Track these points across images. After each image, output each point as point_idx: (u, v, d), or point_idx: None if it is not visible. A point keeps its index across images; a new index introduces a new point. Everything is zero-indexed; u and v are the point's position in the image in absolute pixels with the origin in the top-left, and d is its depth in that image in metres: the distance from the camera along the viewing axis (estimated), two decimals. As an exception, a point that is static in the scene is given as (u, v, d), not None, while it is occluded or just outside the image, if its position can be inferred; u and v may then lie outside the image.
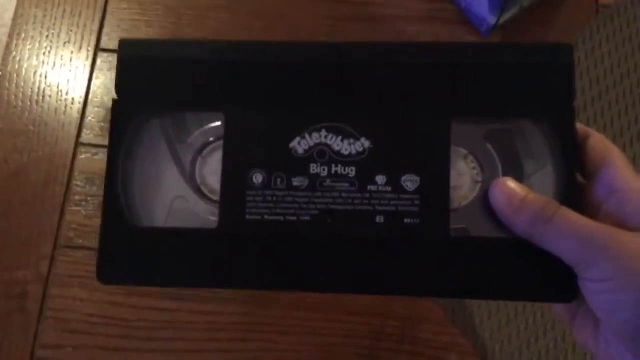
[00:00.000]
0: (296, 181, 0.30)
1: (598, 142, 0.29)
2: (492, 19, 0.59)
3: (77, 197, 0.58)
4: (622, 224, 0.27)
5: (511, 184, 0.29)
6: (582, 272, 0.27)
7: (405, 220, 0.29)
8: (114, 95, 0.31)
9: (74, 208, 0.58)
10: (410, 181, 0.30)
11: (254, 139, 0.30)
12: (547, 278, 0.29)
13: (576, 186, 0.29)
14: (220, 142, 0.31)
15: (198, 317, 0.56)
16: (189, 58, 0.31)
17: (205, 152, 0.32)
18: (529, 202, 0.28)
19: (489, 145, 0.31)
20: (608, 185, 0.28)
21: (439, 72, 0.30)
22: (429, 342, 0.55)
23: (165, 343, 0.55)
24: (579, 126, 0.30)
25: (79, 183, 0.59)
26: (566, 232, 0.27)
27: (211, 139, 0.32)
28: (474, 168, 0.31)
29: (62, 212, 0.58)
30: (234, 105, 0.31)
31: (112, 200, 0.31)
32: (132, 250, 0.30)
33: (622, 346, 0.28)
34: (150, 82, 0.31)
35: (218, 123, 0.31)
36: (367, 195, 0.30)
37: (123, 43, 0.32)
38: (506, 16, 0.60)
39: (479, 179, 0.31)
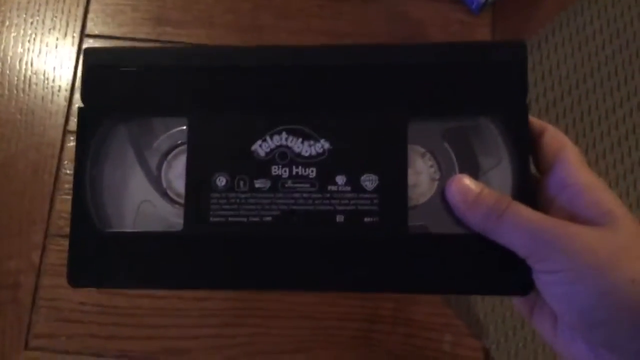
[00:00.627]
0: (259, 183, 0.31)
1: (553, 137, 0.30)
2: (482, -4, 0.58)
3: (66, 186, 0.58)
4: (573, 218, 0.28)
5: (466, 180, 0.30)
6: (534, 264, 0.28)
7: (365, 219, 0.30)
8: (80, 103, 0.32)
9: (63, 197, 0.58)
10: (369, 181, 0.31)
11: (217, 142, 0.31)
12: (503, 272, 0.30)
13: (530, 181, 0.30)
14: (184, 146, 0.32)
15: (191, 303, 0.56)
16: (152, 65, 0.32)
17: (170, 156, 0.33)
18: (482, 198, 0.29)
19: (446, 144, 0.32)
20: (561, 180, 0.29)
21: (395, 72, 0.31)
22: (424, 323, 0.55)
23: (158, 330, 0.56)
24: (536, 121, 0.31)
25: (68, 171, 0.59)
26: (517, 226, 0.28)
27: (178, 142, 0.33)
28: (431, 166, 0.32)
29: (52, 201, 0.58)
30: (197, 110, 0.32)
31: (80, 204, 0.32)
32: (100, 254, 0.31)
33: (577, 337, 0.28)
34: (116, 89, 0.32)
35: (183, 127, 0.32)
36: (328, 195, 0.31)
37: (87, 51, 0.33)
38: (496, -7, 0.59)
39: (437, 176, 0.32)
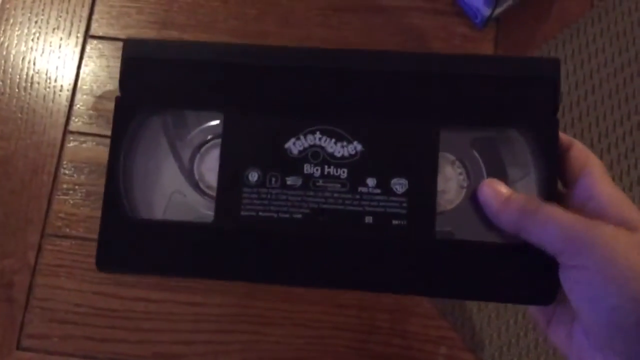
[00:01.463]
0: (290, 180, 0.32)
1: (579, 152, 0.31)
2: (486, 11, 0.58)
3: (65, 186, 0.58)
4: None
5: (498, 183, 0.31)
6: (566, 260, 0.28)
7: (394, 221, 0.31)
8: (118, 93, 0.33)
9: (61, 197, 0.58)
10: (399, 184, 0.31)
11: (251, 138, 0.32)
12: (527, 281, 0.30)
13: (557, 193, 0.31)
14: (219, 140, 0.32)
15: (186, 308, 0.56)
16: (191, 59, 0.33)
17: (204, 149, 0.34)
18: (514, 198, 0.30)
19: (475, 153, 0.33)
20: (586, 192, 0.30)
21: (430, 81, 0.32)
22: (419, 335, 0.55)
23: (152, 334, 0.56)
24: (563, 136, 0.32)
25: (67, 172, 0.58)
26: (552, 221, 0.28)
27: (210, 137, 0.34)
28: (460, 174, 0.33)
29: (49, 201, 0.58)
30: (233, 105, 0.32)
31: (112, 191, 0.32)
32: (130, 240, 0.32)
33: (593, 347, 0.29)
34: (153, 81, 0.33)
35: (217, 122, 0.33)
36: (358, 196, 0.31)
37: (128, 43, 0.33)
38: (501, 8, 0.60)
39: (465, 184, 0.33)
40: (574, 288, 0.29)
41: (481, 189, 0.31)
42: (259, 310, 0.56)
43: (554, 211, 0.29)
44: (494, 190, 0.30)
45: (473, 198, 0.32)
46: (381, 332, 0.55)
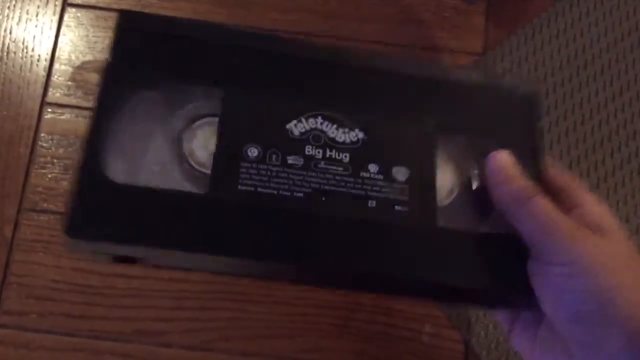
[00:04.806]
0: (291, 159, 0.31)
1: (560, 173, 0.33)
2: (477, -17, 0.57)
3: (42, 159, 0.57)
4: None
5: (513, 159, 0.31)
6: (540, 254, 0.29)
7: (396, 207, 0.31)
8: (109, 59, 0.31)
9: (39, 170, 0.57)
10: (400, 173, 0.31)
11: (252, 116, 0.31)
12: (520, 272, 0.30)
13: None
14: (212, 118, 0.32)
15: (167, 285, 0.55)
16: (192, 35, 0.32)
17: (195, 125, 0.33)
18: (519, 178, 0.31)
19: (470, 155, 0.33)
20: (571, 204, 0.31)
21: (430, 86, 0.33)
22: (404, 313, 0.55)
23: (132, 311, 0.55)
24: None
25: (44, 144, 0.57)
26: (536, 217, 0.29)
27: (203, 113, 0.33)
28: (454, 174, 0.33)
29: (27, 175, 0.57)
30: (232, 84, 0.32)
31: (93, 154, 0.30)
32: (111, 206, 0.29)
33: (558, 349, 0.30)
34: (148, 54, 0.32)
35: (214, 99, 0.32)
36: (360, 180, 0.31)
37: (124, 14, 0.33)
38: (492, -20, 0.58)
39: (459, 182, 0.33)
40: (539, 280, 0.29)
41: (495, 157, 0.31)
42: (242, 287, 0.55)
43: (541, 207, 0.29)
44: (507, 163, 0.31)
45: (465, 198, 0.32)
46: (365, 309, 0.55)
